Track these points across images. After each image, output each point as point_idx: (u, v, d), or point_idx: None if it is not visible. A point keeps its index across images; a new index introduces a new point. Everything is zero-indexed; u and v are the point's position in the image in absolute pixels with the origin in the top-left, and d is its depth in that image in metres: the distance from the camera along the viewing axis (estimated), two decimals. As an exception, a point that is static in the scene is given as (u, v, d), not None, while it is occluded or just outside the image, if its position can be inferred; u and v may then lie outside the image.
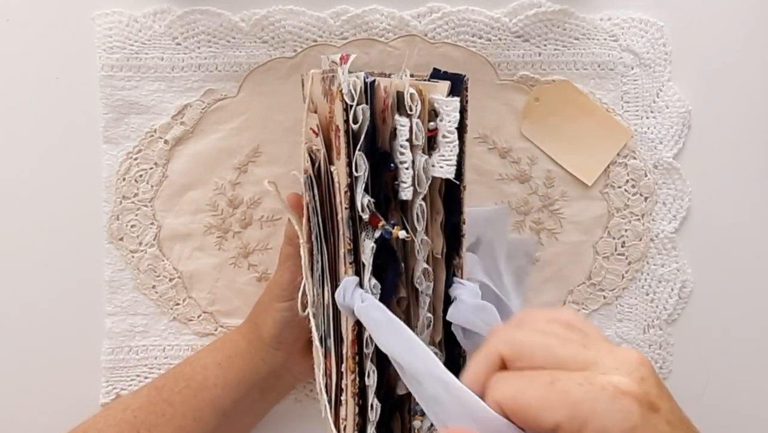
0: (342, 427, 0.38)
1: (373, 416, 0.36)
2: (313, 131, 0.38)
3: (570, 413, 0.26)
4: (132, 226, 0.51)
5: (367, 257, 0.35)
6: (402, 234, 0.34)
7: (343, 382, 0.37)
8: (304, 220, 0.41)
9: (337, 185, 0.36)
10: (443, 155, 0.35)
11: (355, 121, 0.34)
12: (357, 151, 0.34)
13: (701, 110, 0.52)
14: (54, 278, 0.50)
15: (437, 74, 0.38)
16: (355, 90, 0.34)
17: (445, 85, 0.36)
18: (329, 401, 0.39)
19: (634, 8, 0.52)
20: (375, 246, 0.34)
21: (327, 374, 0.40)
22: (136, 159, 0.51)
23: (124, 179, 0.51)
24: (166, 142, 0.51)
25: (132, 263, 0.51)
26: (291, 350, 0.43)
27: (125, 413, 0.44)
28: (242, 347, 0.46)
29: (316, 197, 0.39)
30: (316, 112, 0.39)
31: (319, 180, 0.39)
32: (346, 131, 0.34)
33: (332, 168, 0.37)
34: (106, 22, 0.50)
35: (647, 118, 0.52)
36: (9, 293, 0.50)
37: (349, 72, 0.35)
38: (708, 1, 0.52)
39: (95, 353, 0.51)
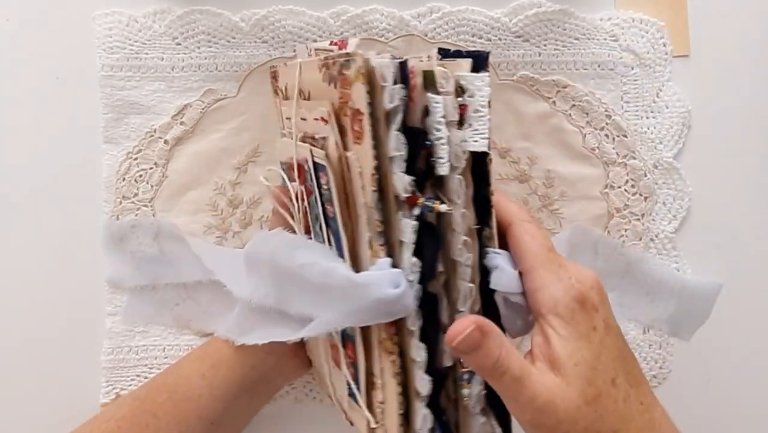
0: (380, 411, 0.38)
1: (425, 390, 0.36)
2: (323, 119, 0.38)
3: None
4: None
5: (407, 236, 0.35)
6: (443, 207, 0.35)
7: (377, 366, 0.37)
8: (301, 213, 0.41)
9: (357, 171, 0.36)
10: (477, 130, 0.36)
11: (391, 102, 0.34)
12: (394, 132, 0.34)
13: (701, 110, 0.52)
14: (54, 277, 0.50)
15: (446, 53, 0.38)
16: (388, 71, 0.34)
17: (467, 62, 0.37)
18: (358, 389, 0.39)
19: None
20: (417, 224, 0.35)
21: (349, 364, 0.40)
22: (136, 159, 0.51)
23: (124, 179, 0.51)
24: (166, 142, 0.51)
25: (132, 263, 0.51)
26: (282, 351, 0.42)
27: (109, 423, 0.43)
28: (228, 354, 0.44)
29: (322, 186, 0.39)
30: (307, 99, 0.39)
31: (317, 170, 0.39)
32: (371, 114, 0.35)
33: (348, 154, 0.37)
34: (106, 22, 0.50)
35: (647, 118, 0.52)
36: (8, 293, 0.50)
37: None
38: (708, 1, 0.52)
39: (95, 353, 0.51)
